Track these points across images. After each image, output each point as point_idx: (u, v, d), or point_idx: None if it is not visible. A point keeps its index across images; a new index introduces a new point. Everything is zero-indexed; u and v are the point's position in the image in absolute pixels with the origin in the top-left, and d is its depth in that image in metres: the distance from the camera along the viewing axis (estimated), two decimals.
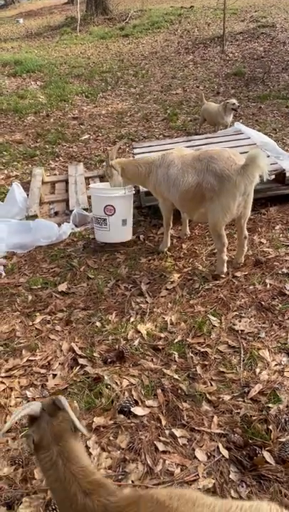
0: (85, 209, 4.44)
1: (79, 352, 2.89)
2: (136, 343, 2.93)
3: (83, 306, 3.32)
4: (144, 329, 3.04)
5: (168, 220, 3.81)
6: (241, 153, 4.37)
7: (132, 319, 3.15)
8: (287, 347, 2.79)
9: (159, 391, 2.59)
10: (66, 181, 5.24)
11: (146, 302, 3.31)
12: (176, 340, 2.93)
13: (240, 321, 3.03)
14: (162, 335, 2.99)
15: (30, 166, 5.89)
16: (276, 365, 2.70)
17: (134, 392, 2.59)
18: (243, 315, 3.10)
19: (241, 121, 6.97)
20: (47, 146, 6.53)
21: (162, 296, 3.36)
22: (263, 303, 3.17)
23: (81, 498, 1.34)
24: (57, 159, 6.12)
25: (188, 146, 4.86)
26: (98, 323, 3.14)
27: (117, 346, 2.90)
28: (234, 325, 3.01)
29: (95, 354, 2.87)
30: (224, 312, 3.14)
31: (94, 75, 10.68)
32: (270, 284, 3.34)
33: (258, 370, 2.66)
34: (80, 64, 11.84)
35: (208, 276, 3.51)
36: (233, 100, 5.89)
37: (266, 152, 4.63)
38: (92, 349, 2.92)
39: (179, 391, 2.58)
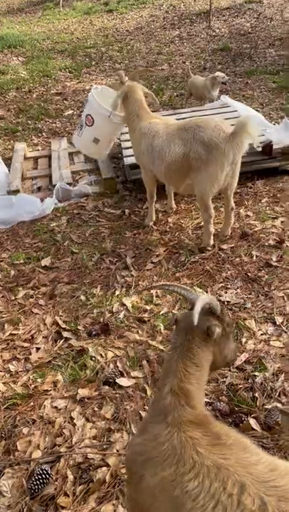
0: (68, 183, 4.32)
1: (63, 325, 2.83)
2: (121, 315, 2.88)
3: (67, 281, 3.25)
4: (130, 302, 2.99)
5: (152, 193, 3.73)
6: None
7: (117, 292, 3.09)
8: (273, 317, 2.77)
9: (144, 362, 2.55)
10: (49, 157, 5.10)
11: (132, 276, 3.25)
12: (161, 312, 2.89)
13: (226, 293, 3.00)
14: (148, 307, 2.95)
15: (12, 141, 5.72)
16: (262, 334, 2.68)
17: (120, 363, 2.55)
18: (229, 286, 3.06)
19: (228, 96, 6.85)
20: (29, 122, 6.34)
21: (148, 270, 3.30)
22: (249, 274, 3.14)
23: (166, 394, 1.40)
24: (40, 135, 5.95)
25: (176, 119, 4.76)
26: (83, 297, 3.07)
27: (101, 319, 2.85)
28: (220, 296, 2.97)
29: (79, 327, 2.82)
30: (210, 284, 3.10)
31: (78, 50, 10.39)
32: (257, 256, 3.31)
33: (244, 340, 2.64)
34: (63, 39, 11.50)
35: (194, 249, 3.45)
36: (222, 74, 5.75)
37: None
38: (77, 322, 2.86)
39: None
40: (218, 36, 10.55)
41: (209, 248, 3.43)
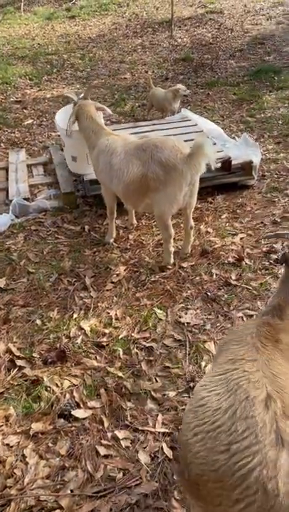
0: (25, 199, 4.18)
1: (17, 353, 2.71)
2: (78, 340, 2.79)
3: (22, 303, 3.12)
4: (88, 326, 2.90)
5: (112, 209, 3.66)
6: (187, 140, 4.29)
7: (74, 315, 2.99)
8: None
9: (102, 390, 2.47)
10: (6, 169, 4.93)
11: (91, 297, 3.16)
12: (120, 336, 2.81)
13: (186, 313, 2.96)
14: (107, 331, 2.87)
15: None
16: None
17: (76, 393, 2.46)
18: (190, 307, 3.03)
19: (189, 107, 6.88)
20: None
21: (107, 290, 3.22)
22: (208, 294, 3.11)
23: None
24: None
25: (134, 133, 4.71)
26: (38, 321, 2.96)
27: (58, 345, 2.74)
28: (180, 317, 2.93)
29: (34, 354, 2.70)
30: (170, 304, 3.06)
31: (39, 57, 10.20)
32: (216, 275, 3.30)
33: (203, 364, 2.61)
34: (24, 45, 11.27)
35: (154, 267, 3.40)
36: (183, 87, 5.76)
37: (212, 139, 4.57)
38: (32, 349, 2.74)
39: (123, 389, 2.47)
40: (180, 46, 10.63)
41: (170, 266, 3.39)
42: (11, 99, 7.53)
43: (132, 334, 2.82)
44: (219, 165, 4.22)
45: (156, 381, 2.52)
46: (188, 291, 3.15)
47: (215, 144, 4.43)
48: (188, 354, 2.67)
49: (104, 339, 2.80)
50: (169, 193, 3.07)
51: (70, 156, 4.29)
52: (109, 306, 3.06)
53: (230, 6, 13.50)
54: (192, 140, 4.54)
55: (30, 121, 6.58)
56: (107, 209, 3.68)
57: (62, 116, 4.23)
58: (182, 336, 2.80)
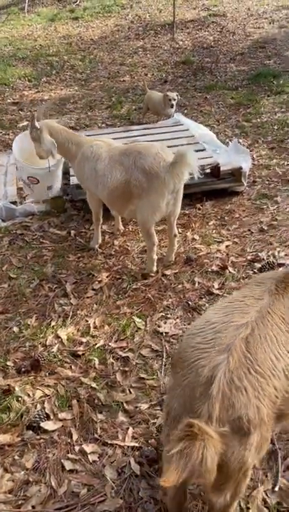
0: (13, 202, 4.15)
1: None
2: (54, 349, 2.74)
3: (1, 310, 3.08)
4: (65, 334, 2.85)
5: (97, 215, 3.62)
6: (178, 145, 4.24)
7: (52, 323, 2.95)
8: None
9: (74, 402, 2.43)
10: None
11: (71, 304, 3.11)
12: (97, 345, 2.76)
13: (165, 323, 2.91)
14: (84, 339, 2.82)
15: None
16: None
17: (47, 404, 2.41)
18: (169, 316, 2.97)
19: (186, 111, 6.84)
20: None
21: (88, 297, 3.18)
22: (190, 303, 3.06)
23: None
24: None
25: (125, 137, 4.67)
26: (16, 329, 2.91)
27: (33, 354, 2.70)
28: (159, 327, 2.88)
29: (8, 363, 2.65)
30: (150, 313, 3.00)
31: (39, 58, 10.18)
32: (199, 283, 3.24)
33: None
34: (25, 46, 11.26)
35: (137, 275, 3.35)
36: (173, 93, 5.69)
37: (203, 144, 4.52)
38: (6, 357, 2.70)
39: (96, 401, 2.43)
40: (181, 49, 10.58)
41: (152, 274, 3.33)
42: (8, 101, 7.52)
43: (109, 343, 2.77)
44: (202, 175, 4.16)
45: (130, 392, 2.47)
46: (170, 300, 3.10)
47: (204, 149, 4.37)
48: (165, 365, 2.61)
49: (81, 348, 2.75)
50: (152, 200, 3.02)
51: (45, 187, 4.14)
52: (88, 314, 3.02)
53: (234, 9, 13.43)
54: (182, 145, 4.51)
55: (25, 123, 6.54)
56: (93, 215, 3.63)
57: (19, 146, 4.10)
58: (160, 346, 2.75)
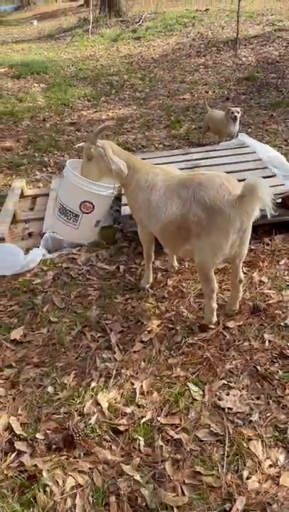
0: None
1: (18, 431, 2.20)
2: (92, 420, 2.23)
3: (37, 362, 2.63)
4: (106, 400, 2.33)
5: (148, 251, 3.11)
6: (243, 170, 3.64)
7: (93, 384, 2.44)
8: (287, 439, 2.07)
9: (112, 499, 1.89)
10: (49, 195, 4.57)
11: (115, 359, 2.60)
12: (144, 420, 2.22)
13: (228, 395, 2.31)
14: (128, 410, 2.28)
15: (14, 176, 5.23)
16: (270, 466, 1.98)
17: (79, 499, 1.90)
18: (233, 384, 2.37)
19: (250, 130, 6.22)
20: (36, 155, 5.85)
21: (135, 352, 2.65)
22: (258, 368, 2.44)
23: None
24: (44, 169, 5.44)
25: (184, 160, 4.15)
26: (50, 388, 2.44)
27: (67, 424, 2.20)
28: (220, 400, 2.29)
29: (38, 435, 2.17)
30: (209, 379, 2.42)
31: (100, 77, 10.00)
32: (270, 341, 2.61)
33: (245, 474, 1.94)
34: (87, 66, 11.18)
35: (193, 325, 2.78)
36: (237, 108, 5.12)
37: (272, 169, 3.89)
38: (37, 427, 2.22)
39: (139, 500, 1.88)
40: (244, 65, 9.96)
41: (212, 326, 2.75)
42: (66, 121, 7.29)
43: (158, 418, 2.22)
44: (279, 200, 3.53)
45: (183, 493, 1.90)
46: (233, 362, 2.50)
47: (275, 175, 3.74)
48: (227, 456, 2.02)
49: (124, 421, 2.23)
50: (213, 240, 2.46)
51: (94, 221, 3.60)
52: (134, 375, 2.49)
53: None
54: (249, 170, 3.91)
55: (81, 144, 6.22)
56: (144, 250, 3.13)
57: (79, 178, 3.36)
58: (221, 427, 2.15)
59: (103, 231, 3.79)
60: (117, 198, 4.07)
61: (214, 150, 4.42)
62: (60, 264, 3.55)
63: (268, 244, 3.53)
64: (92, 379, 2.48)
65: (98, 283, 3.31)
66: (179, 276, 3.30)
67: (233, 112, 5.04)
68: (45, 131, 6.80)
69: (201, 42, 12.47)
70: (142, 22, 15.80)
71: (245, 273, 3.17)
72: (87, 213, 3.57)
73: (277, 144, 5.55)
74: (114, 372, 2.50)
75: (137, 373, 2.50)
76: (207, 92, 8.40)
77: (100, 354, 2.65)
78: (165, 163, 3.92)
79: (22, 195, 4.57)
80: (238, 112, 5.05)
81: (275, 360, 2.49)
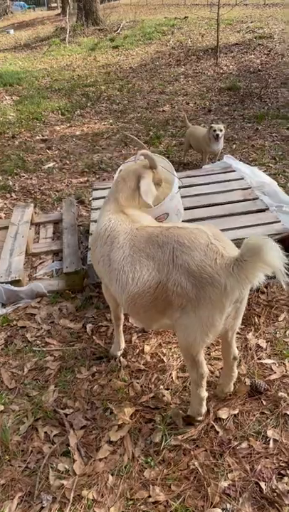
0: (16, 281, 3.05)
1: None
2: None
3: None
4: None
5: (117, 314, 2.45)
6: (232, 203, 3.04)
7: None
8: None
9: None
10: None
11: (74, 473, 1.93)
12: None
13: None
14: None
15: None
16: None
17: None
18: None
19: (235, 146, 5.62)
20: (0, 178, 5.16)
21: (100, 459, 1.98)
22: (263, 486, 1.80)
23: None
24: (8, 195, 4.75)
25: None
26: None
27: None
28: None
29: None
30: (198, 506, 1.77)
31: (76, 89, 9.33)
32: (275, 441, 1.97)
33: None
34: (63, 77, 10.50)
35: (176, 417, 2.13)
36: (219, 125, 4.49)
37: (263, 199, 3.28)
38: None
39: None
40: (225, 74, 9.41)
41: (200, 418, 2.10)
42: (37, 138, 6.60)
43: None
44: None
45: None
46: (229, 476, 1.85)
47: (267, 208, 3.13)
48: None
49: None
50: (203, 317, 1.79)
51: (174, 215, 2.88)
52: (98, 499, 1.82)
53: (281, 31, 12.19)
54: (239, 202, 3.29)
55: (51, 164, 5.56)
56: (112, 314, 2.48)
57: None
58: None
59: (68, 277, 3.12)
60: (87, 231, 3.41)
61: (196, 176, 3.77)
62: (15, 322, 2.87)
63: (263, 293, 2.91)
64: (43, 507, 1.80)
65: (59, 349, 2.63)
66: (158, 338, 2.64)
67: (215, 130, 4.42)
68: (12, 149, 6.09)
69: (180, 50, 11.93)
70: (120, 30, 15.23)
71: (238, 333, 2.54)
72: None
73: (265, 162, 4.96)
74: (72, 495, 1.83)
75: (102, 496, 1.83)
76: (188, 104, 7.80)
77: (55, 464, 1.97)
78: None
79: None
80: (221, 130, 4.43)
81: (283, 473, 1.85)
